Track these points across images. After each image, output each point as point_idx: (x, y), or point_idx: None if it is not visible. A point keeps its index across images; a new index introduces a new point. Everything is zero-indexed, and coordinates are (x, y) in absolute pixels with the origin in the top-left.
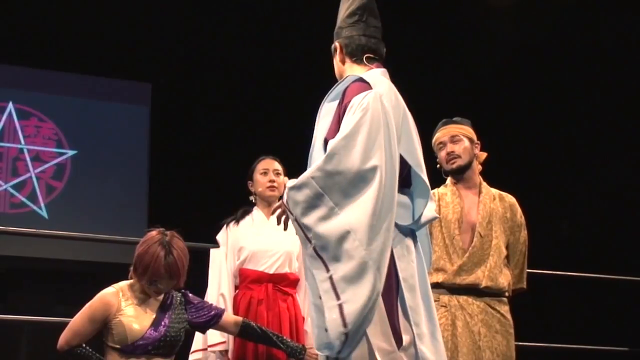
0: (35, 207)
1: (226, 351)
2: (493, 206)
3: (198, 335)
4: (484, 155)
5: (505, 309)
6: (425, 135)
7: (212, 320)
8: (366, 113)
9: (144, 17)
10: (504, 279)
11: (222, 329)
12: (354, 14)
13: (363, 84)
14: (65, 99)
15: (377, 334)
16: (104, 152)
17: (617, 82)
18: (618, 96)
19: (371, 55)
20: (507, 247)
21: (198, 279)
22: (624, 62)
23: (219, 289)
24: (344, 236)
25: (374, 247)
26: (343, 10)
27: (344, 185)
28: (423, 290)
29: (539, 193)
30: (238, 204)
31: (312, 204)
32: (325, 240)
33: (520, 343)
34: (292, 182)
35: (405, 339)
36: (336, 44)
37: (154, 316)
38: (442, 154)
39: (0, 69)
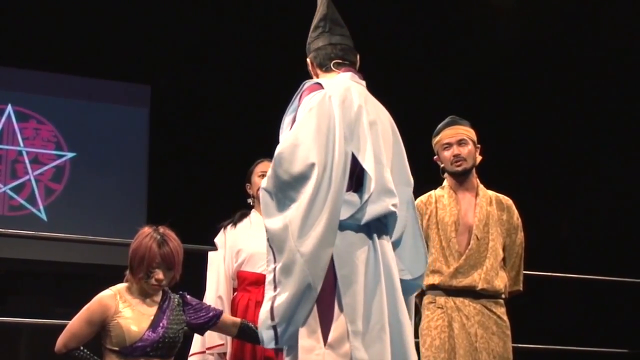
0: (34, 210)
1: (225, 353)
2: (490, 209)
3: (197, 337)
4: (479, 158)
5: (501, 311)
6: (423, 134)
7: (211, 321)
8: (310, 113)
9: (143, 19)
10: (500, 281)
11: (221, 330)
12: (317, 26)
13: (315, 86)
14: (64, 101)
15: (304, 331)
16: (103, 155)
17: (618, 82)
18: (619, 96)
19: (339, 61)
20: (503, 249)
21: (196, 281)
22: (625, 63)
23: (217, 292)
24: (282, 229)
25: (306, 241)
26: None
27: (290, 184)
28: (373, 287)
29: (537, 194)
30: (236, 207)
31: (267, 203)
32: (270, 234)
33: (517, 345)
34: (262, 183)
35: (335, 336)
36: (307, 59)
37: (152, 318)
38: (446, 154)
39: None
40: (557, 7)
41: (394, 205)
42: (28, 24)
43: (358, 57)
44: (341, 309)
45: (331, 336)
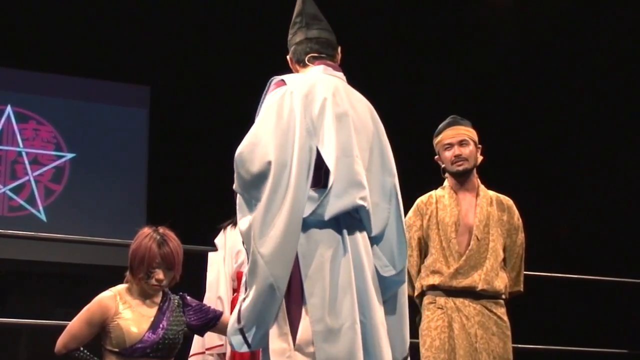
0: (33, 210)
1: (224, 354)
2: (490, 209)
3: (196, 337)
4: (480, 159)
5: (502, 311)
6: (424, 133)
7: (210, 322)
8: (269, 110)
9: (142, 20)
10: (501, 282)
11: (220, 331)
12: (294, 23)
13: (279, 83)
14: (63, 102)
15: (274, 333)
16: (102, 155)
17: (617, 84)
18: (620, 96)
19: (315, 54)
20: (504, 250)
21: (196, 282)
22: (624, 64)
23: (217, 292)
24: (248, 230)
25: (265, 242)
26: None
27: (253, 183)
28: (343, 284)
29: (538, 195)
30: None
31: (239, 204)
32: (241, 235)
33: (518, 345)
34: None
35: (301, 337)
36: (287, 57)
37: (152, 319)
38: (447, 155)
39: None
40: (556, 7)
41: (362, 198)
42: (27, 24)
43: (339, 49)
44: (307, 309)
45: (298, 337)
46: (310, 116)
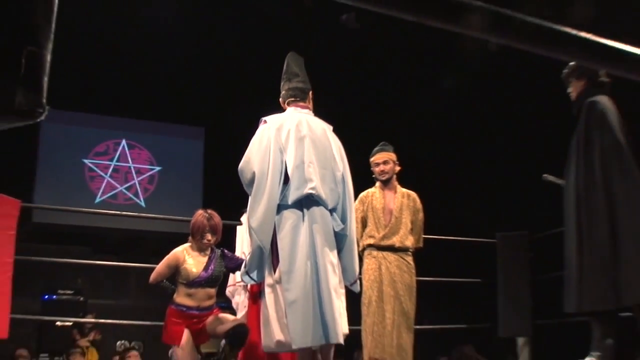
0: (137, 200)
1: (246, 285)
2: (403, 199)
3: (231, 275)
4: (397, 169)
5: (409, 259)
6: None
7: (240, 266)
8: (255, 139)
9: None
10: (409, 242)
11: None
12: (282, 78)
13: (263, 122)
14: (153, 137)
15: (266, 273)
16: (177, 168)
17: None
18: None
19: (292, 99)
20: (411, 223)
21: (230, 242)
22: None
23: (242, 249)
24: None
25: (254, 218)
26: None
27: (248, 186)
28: (302, 242)
29: (431, 190)
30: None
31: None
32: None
33: (418, 278)
34: None
35: (278, 275)
36: (280, 100)
37: (204, 264)
38: (377, 169)
39: (116, 120)
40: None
41: (311, 188)
42: (133, 85)
43: (310, 93)
44: (279, 259)
45: (276, 275)
46: (281, 141)
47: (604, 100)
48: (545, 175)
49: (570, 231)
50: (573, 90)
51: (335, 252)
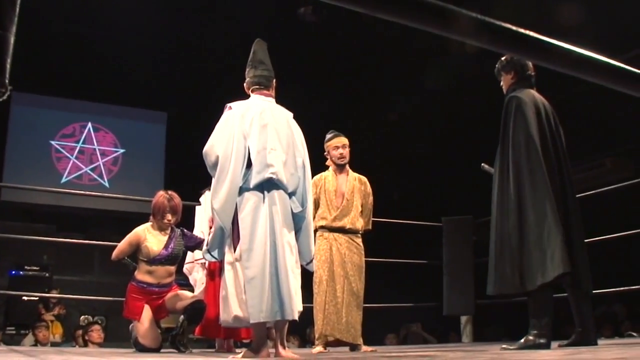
0: (102, 181)
1: (204, 263)
2: (354, 183)
3: (189, 253)
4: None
5: (359, 241)
6: (318, 140)
7: (198, 245)
8: (220, 125)
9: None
10: (359, 224)
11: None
12: (248, 64)
13: (228, 108)
14: (120, 121)
15: (227, 252)
16: (140, 151)
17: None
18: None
19: (257, 87)
20: (361, 206)
21: (189, 222)
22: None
23: (200, 228)
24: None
25: (216, 200)
26: None
27: (212, 168)
28: (261, 222)
29: (382, 175)
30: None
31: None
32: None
33: (367, 259)
34: None
35: (238, 253)
36: (244, 85)
37: (164, 242)
38: (335, 153)
39: (83, 103)
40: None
41: (272, 173)
42: (100, 68)
43: (273, 82)
44: (240, 238)
45: (236, 254)
46: (245, 127)
47: (524, 95)
48: (482, 164)
49: (491, 221)
50: (503, 84)
51: (293, 233)
